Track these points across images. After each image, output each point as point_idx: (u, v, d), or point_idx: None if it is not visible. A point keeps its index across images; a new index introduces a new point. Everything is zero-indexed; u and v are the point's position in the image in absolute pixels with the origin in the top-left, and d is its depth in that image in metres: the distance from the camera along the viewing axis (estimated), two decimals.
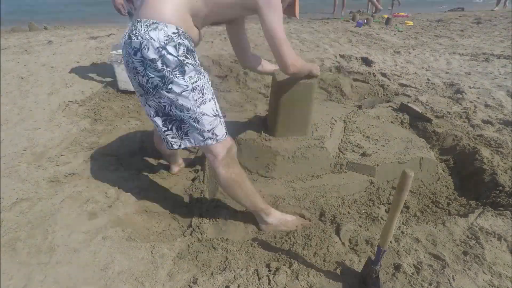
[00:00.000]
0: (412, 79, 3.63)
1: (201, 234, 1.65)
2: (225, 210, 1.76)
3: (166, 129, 1.36)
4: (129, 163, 2.24)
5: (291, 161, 1.91)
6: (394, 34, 6.16)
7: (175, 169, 2.16)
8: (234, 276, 1.33)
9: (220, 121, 1.38)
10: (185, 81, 1.24)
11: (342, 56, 4.46)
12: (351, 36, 5.96)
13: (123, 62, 1.46)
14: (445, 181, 2.10)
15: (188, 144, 1.39)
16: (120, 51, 2.80)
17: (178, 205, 1.96)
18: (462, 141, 2.32)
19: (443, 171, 2.17)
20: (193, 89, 1.26)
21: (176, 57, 1.20)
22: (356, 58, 4.42)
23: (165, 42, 1.17)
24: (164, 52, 1.18)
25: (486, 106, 2.95)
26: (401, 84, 3.47)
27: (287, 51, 1.33)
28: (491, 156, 2.14)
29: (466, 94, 3.22)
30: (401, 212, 1.85)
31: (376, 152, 2.05)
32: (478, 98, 3.13)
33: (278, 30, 1.29)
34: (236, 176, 1.48)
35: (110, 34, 5.96)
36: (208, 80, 1.37)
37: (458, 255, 1.41)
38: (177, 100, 1.26)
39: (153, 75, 1.21)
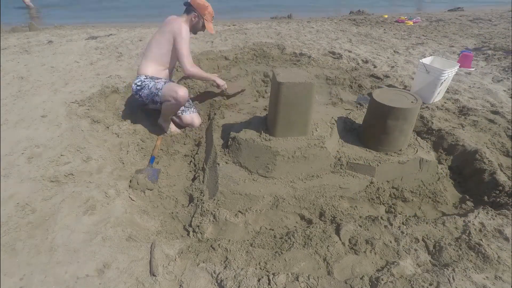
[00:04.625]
0: (412, 79, 3.63)
1: (201, 234, 1.65)
2: (225, 210, 1.76)
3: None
4: (129, 163, 2.24)
5: (291, 161, 1.91)
6: (394, 34, 6.16)
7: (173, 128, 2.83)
8: (234, 276, 1.33)
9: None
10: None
11: (336, 53, 4.46)
12: (351, 36, 5.96)
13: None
14: (445, 181, 2.10)
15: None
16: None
17: (178, 205, 1.97)
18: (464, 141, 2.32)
19: (443, 171, 2.17)
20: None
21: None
22: (355, 57, 4.42)
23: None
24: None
25: (485, 106, 2.95)
26: (401, 83, 3.47)
27: (188, 60, 2.52)
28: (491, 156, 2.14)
29: (466, 93, 3.22)
30: (401, 212, 1.85)
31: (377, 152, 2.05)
32: (478, 98, 3.13)
33: (185, 49, 2.51)
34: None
35: (110, 34, 5.96)
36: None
37: (458, 254, 1.41)
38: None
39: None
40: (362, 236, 1.53)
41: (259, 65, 3.81)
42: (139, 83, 2.51)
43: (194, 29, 2.61)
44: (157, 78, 2.55)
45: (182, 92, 2.41)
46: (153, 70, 2.56)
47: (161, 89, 2.46)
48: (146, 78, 2.51)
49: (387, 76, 3.67)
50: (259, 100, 2.94)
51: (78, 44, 5.22)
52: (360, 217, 1.75)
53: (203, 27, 2.60)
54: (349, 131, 2.27)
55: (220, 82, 2.82)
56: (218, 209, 1.76)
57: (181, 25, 2.45)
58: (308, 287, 1.29)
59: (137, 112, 2.89)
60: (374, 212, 1.86)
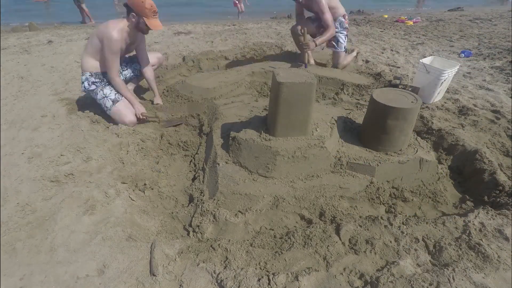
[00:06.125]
0: (412, 79, 3.63)
1: (201, 234, 1.65)
2: (225, 210, 1.76)
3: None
4: (129, 163, 2.24)
5: (291, 161, 1.91)
6: (394, 34, 6.16)
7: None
8: (234, 276, 1.33)
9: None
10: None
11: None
12: (351, 36, 5.96)
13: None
14: (445, 181, 2.10)
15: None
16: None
17: (178, 205, 1.97)
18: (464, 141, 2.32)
19: (443, 171, 2.17)
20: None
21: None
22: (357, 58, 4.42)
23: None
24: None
25: (485, 106, 2.95)
26: (402, 85, 3.47)
27: (112, 71, 2.47)
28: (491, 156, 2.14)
29: (466, 93, 3.22)
30: (401, 212, 1.85)
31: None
32: (478, 97, 3.13)
33: (110, 60, 2.42)
34: None
35: None
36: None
37: (458, 254, 1.41)
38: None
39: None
40: (362, 236, 1.53)
41: (259, 64, 3.81)
42: (86, 85, 2.56)
43: (138, 30, 2.46)
44: (103, 76, 2.56)
45: (129, 120, 2.48)
46: (95, 65, 2.53)
47: (109, 109, 2.51)
48: (91, 76, 2.53)
49: (385, 76, 3.67)
50: (259, 100, 2.94)
51: (78, 44, 5.22)
52: (360, 217, 1.75)
53: (147, 26, 2.39)
54: (349, 131, 2.27)
55: (137, 109, 2.58)
56: (218, 209, 1.76)
57: (108, 31, 2.31)
58: (307, 287, 1.29)
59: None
60: (374, 212, 1.86)
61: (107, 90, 2.55)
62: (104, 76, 2.56)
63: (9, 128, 2.53)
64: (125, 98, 2.55)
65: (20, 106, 2.92)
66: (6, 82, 3.47)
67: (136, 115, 2.56)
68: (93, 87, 2.55)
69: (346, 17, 3.65)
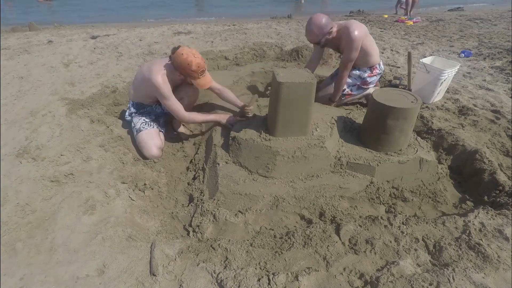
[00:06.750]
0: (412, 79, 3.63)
1: (201, 234, 1.65)
2: (225, 210, 1.76)
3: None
4: (129, 163, 2.24)
5: (291, 161, 1.91)
6: (394, 34, 6.16)
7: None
8: (234, 276, 1.33)
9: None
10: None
11: None
12: None
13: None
14: (445, 181, 2.10)
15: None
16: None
17: (178, 205, 1.97)
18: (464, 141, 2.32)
19: (443, 171, 2.17)
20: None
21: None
22: None
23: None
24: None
25: (485, 106, 2.95)
26: (402, 85, 3.47)
27: (179, 113, 2.29)
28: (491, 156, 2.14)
29: (466, 93, 3.22)
30: (401, 212, 1.85)
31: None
32: (478, 97, 3.13)
33: (170, 104, 2.26)
34: None
35: (110, 34, 5.96)
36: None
37: (458, 254, 1.41)
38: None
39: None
40: (362, 236, 1.53)
41: (259, 64, 3.81)
42: (127, 114, 2.53)
43: (186, 82, 2.37)
44: (139, 106, 2.47)
45: (150, 153, 2.30)
46: (135, 95, 2.45)
47: (136, 134, 2.38)
48: (132, 105, 2.48)
49: (385, 76, 3.67)
50: (259, 100, 2.93)
51: (78, 44, 5.22)
52: (360, 217, 1.75)
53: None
54: (349, 131, 2.27)
55: (225, 121, 2.36)
56: (218, 209, 1.76)
57: (153, 78, 2.16)
58: (307, 287, 1.29)
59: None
60: (374, 212, 1.86)
61: (136, 119, 2.46)
62: (141, 107, 2.49)
63: (9, 128, 2.53)
64: (208, 120, 2.44)
65: (20, 106, 2.91)
66: (6, 82, 3.47)
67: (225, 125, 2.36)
68: (129, 118, 2.52)
69: (376, 69, 2.76)
